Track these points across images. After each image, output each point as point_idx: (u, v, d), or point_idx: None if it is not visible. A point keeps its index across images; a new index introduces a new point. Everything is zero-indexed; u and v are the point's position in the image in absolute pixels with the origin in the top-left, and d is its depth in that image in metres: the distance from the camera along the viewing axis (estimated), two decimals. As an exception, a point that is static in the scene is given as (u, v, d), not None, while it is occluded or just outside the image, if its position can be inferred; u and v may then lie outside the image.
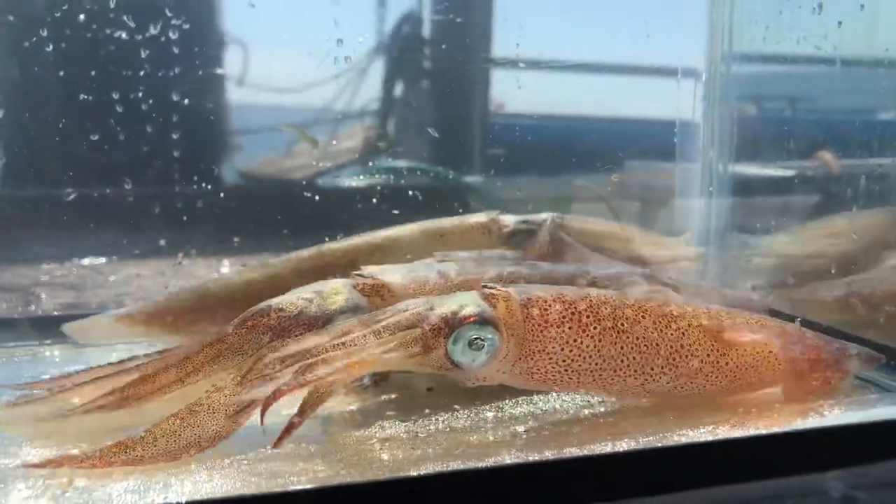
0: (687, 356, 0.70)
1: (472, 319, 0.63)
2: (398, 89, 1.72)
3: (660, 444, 0.62)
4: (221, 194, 1.29)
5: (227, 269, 1.18)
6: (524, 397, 0.77)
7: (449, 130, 1.69)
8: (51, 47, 1.17)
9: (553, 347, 0.66)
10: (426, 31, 1.68)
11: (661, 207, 1.59)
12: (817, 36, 1.08)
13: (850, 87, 1.12)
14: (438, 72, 1.72)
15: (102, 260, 1.18)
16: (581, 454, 0.61)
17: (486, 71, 1.68)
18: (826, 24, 1.06)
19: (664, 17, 1.37)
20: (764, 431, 0.66)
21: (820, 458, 0.63)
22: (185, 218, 1.19)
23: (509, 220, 1.14)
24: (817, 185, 1.18)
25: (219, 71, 1.43)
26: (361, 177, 1.62)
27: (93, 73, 1.17)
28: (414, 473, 0.56)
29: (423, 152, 1.69)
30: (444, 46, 1.69)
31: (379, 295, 0.74)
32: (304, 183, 1.49)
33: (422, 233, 1.08)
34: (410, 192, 1.50)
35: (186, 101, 1.26)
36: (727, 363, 0.72)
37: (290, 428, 0.61)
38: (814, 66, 1.15)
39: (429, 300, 0.65)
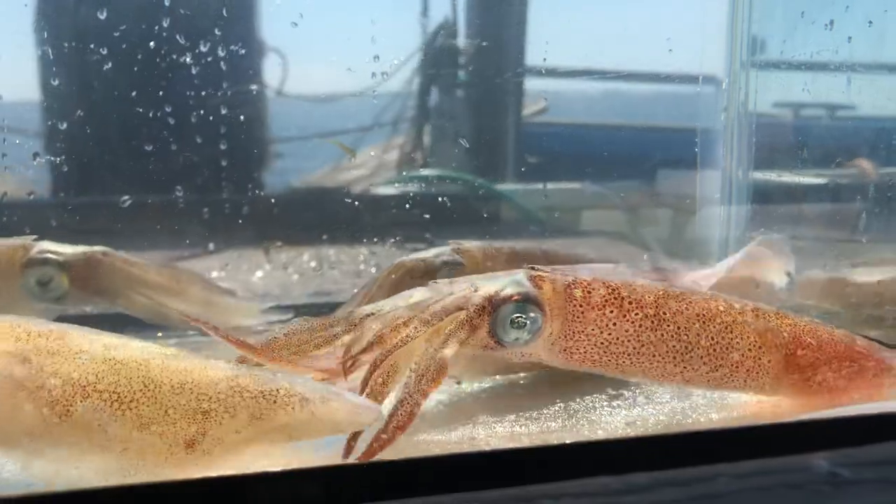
0: (727, 349, 0.73)
1: (515, 298, 0.67)
2: (432, 100, 1.83)
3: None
4: (267, 201, 1.43)
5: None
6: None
7: (481, 139, 1.80)
8: (109, 65, 1.31)
9: (592, 329, 0.70)
10: (460, 41, 1.79)
11: (689, 215, 1.67)
12: (829, 50, 1.18)
13: (863, 97, 1.22)
14: (471, 82, 1.83)
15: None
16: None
17: (517, 80, 1.78)
18: (837, 40, 1.16)
19: (686, 26, 1.46)
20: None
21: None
22: (233, 223, 1.32)
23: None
24: (850, 193, 1.26)
25: (261, 85, 1.55)
26: (395, 185, 1.73)
27: (149, 89, 1.31)
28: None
29: (456, 161, 1.79)
30: (477, 57, 1.80)
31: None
32: (342, 191, 1.62)
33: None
34: (440, 200, 1.61)
35: (238, 114, 1.39)
36: (769, 361, 0.75)
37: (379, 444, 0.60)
38: (829, 75, 1.24)
39: (474, 282, 0.70)
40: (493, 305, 0.67)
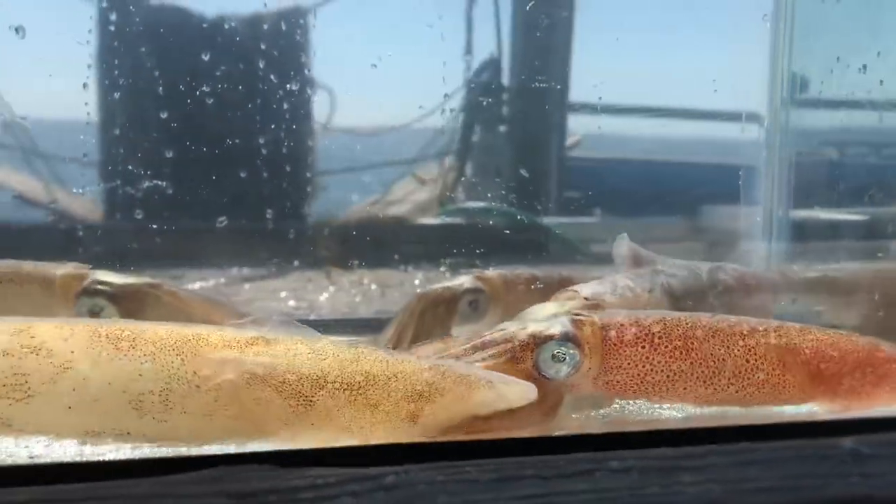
0: (753, 370, 0.85)
1: (555, 337, 0.81)
2: (477, 133, 1.98)
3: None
4: (330, 229, 1.58)
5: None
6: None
7: (523, 174, 1.93)
8: (170, 99, 1.47)
9: (628, 364, 0.83)
10: (505, 77, 1.94)
11: (729, 250, 1.79)
12: (863, 91, 1.31)
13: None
14: (515, 116, 1.97)
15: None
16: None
17: (560, 115, 1.91)
18: (870, 82, 1.30)
19: (730, 66, 1.59)
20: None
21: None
22: (299, 247, 1.48)
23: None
24: (888, 228, 1.38)
25: (311, 119, 1.71)
26: (442, 217, 1.88)
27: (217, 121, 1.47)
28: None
29: (499, 194, 1.93)
30: (520, 92, 1.94)
31: None
32: (397, 220, 1.77)
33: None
34: (488, 231, 1.75)
35: (299, 147, 1.55)
36: (793, 377, 0.85)
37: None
38: (864, 113, 1.38)
39: (524, 321, 0.85)
40: (536, 342, 0.81)
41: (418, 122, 1.77)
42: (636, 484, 0.55)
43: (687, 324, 0.87)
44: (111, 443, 0.64)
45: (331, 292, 1.44)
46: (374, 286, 1.46)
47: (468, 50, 1.91)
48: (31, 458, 0.62)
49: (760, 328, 0.89)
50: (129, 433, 0.63)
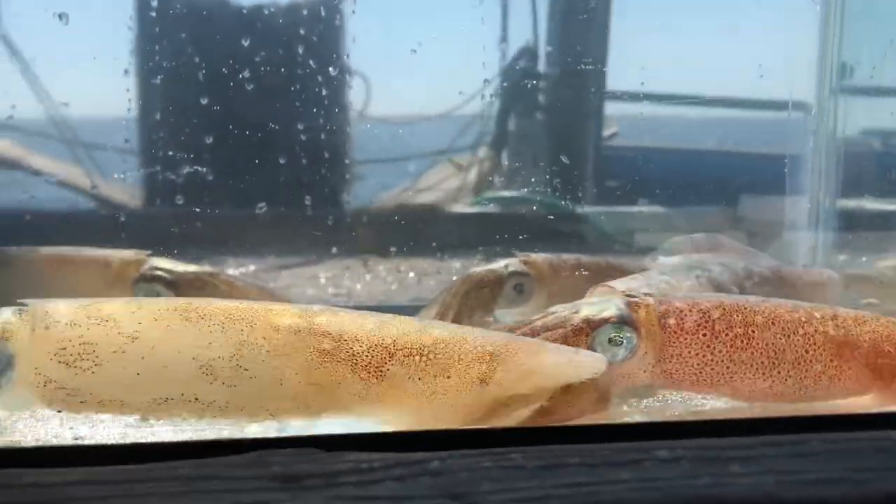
0: (811, 361, 0.82)
1: (612, 320, 0.78)
2: (513, 121, 1.97)
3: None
4: (366, 216, 1.59)
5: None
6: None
7: (561, 161, 1.92)
8: (212, 90, 1.48)
9: (689, 352, 0.80)
10: (541, 65, 1.93)
11: (771, 240, 1.76)
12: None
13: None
14: (552, 104, 1.96)
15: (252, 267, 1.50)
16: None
17: (598, 103, 1.90)
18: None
19: (777, 53, 1.56)
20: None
21: None
22: (336, 236, 1.49)
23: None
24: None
25: (347, 107, 1.71)
26: (478, 205, 1.87)
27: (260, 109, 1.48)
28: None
29: (535, 183, 1.92)
30: (558, 79, 1.92)
31: None
32: (423, 209, 1.77)
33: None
34: (524, 219, 1.74)
35: (334, 135, 1.56)
36: (850, 369, 0.83)
37: None
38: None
39: (576, 305, 0.82)
40: (591, 326, 0.78)
41: (456, 110, 1.77)
42: (686, 474, 0.55)
43: (746, 308, 0.84)
44: (177, 411, 0.64)
45: (368, 280, 1.44)
46: (411, 274, 1.46)
47: (504, 37, 1.91)
48: (76, 439, 0.63)
49: (818, 315, 0.86)
50: (197, 399, 0.64)
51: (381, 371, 0.66)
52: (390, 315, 0.70)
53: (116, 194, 1.53)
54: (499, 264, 1.12)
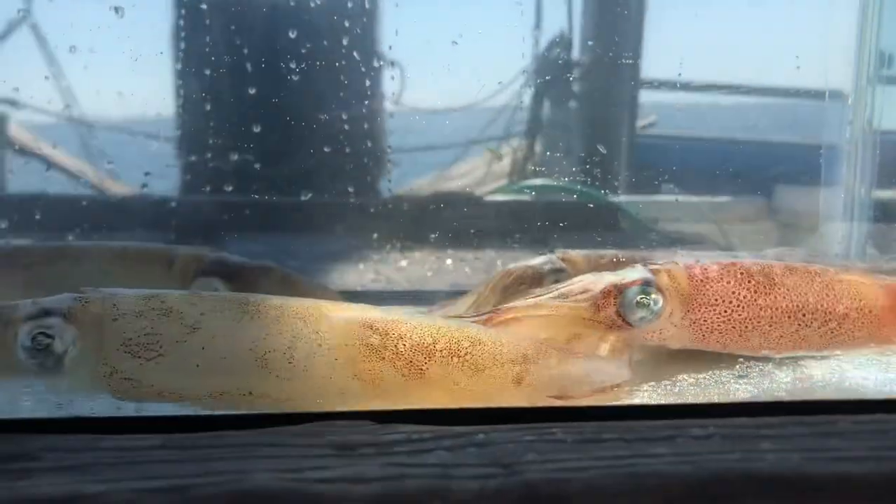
0: (834, 302, 0.87)
1: (638, 282, 0.83)
2: (548, 110, 2.00)
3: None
4: (401, 204, 1.64)
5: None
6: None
7: (596, 150, 1.94)
8: (254, 81, 1.53)
9: (715, 299, 0.84)
10: (575, 53, 1.95)
11: (806, 231, 1.77)
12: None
13: None
14: (586, 93, 1.98)
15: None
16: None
17: (633, 92, 1.92)
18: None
19: (813, 41, 1.57)
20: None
21: None
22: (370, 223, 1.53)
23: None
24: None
25: (381, 96, 1.75)
26: (510, 193, 1.91)
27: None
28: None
29: (570, 171, 1.95)
30: (593, 68, 1.95)
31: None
32: (456, 197, 1.81)
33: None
34: (553, 209, 1.78)
35: (371, 125, 1.60)
36: (871, 310, 0.88)
37: None
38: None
39: (601, 273, 0.87)
40: (618, 289, 0.83)
41: (491, 99, 1.79)
42: (718, 449, 0.58)
43: (763, 263, 0.89)
44: (234, 402, 0.68)
45: (405, 266, 1.49)
46: (448, 261, 1.50)
47: (538, 25, 1.93)
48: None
49: (831, 269, 0.91)
50: (251, 393, 0.68)
51: (422, 370, 0.70)
52: (433, 316, 0.76)
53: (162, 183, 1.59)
54: (537, 260, 1.15)
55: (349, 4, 1.54)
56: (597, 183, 1.87)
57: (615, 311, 0.83)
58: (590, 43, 2.00)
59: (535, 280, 1.10)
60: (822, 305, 0.88)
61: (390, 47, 1.73)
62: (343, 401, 0.69)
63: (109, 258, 1.08)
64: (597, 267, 1.08)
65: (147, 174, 1.46)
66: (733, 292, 0.86)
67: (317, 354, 0.69)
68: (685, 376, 0.86)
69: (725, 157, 1.88)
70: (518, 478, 0.54)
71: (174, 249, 1.09)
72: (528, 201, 1.89)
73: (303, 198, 1.44)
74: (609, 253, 1.16)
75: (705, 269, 0.87)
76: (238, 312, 0.69)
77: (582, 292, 0.85)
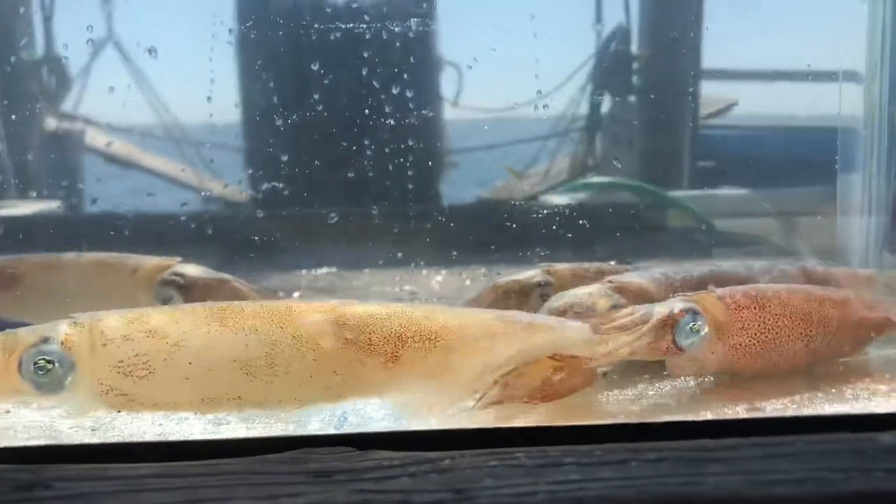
0: (827, 318, 1.00)
1: (689, 311, 0.93)
2: (606, 106, 2.02)
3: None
4: (443, 214, 1.70)
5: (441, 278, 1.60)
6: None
7: (655, 145, 1.95)
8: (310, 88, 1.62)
9: (748, 325, 0.96)
10: (634, 46, 1.96)
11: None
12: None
13: None
14: (645, 87, 1.99)
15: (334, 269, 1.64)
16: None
17: (692, 85, 1.92)
18: None
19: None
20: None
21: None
22: (413, 234, 1.61)
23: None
24: None
25: (439, 99, 1.82)
26: (567, 193, 1.94)
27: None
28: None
29: (629, 168, 1.96)
30: (651, 61, 1.96)
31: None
32: (513, 202, 1.86)
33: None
34: (611, 208, 1.80)
35: (422, 128, 1.67)
36: (849, 321, 1.02)
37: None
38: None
39: (650, 305, 0.95)
40: (673, 319, 0.93)
41: (546, 98, 1.83)
42: (664, 473, 0.63)
43: (770, 287, 1.02)
44: (225, 407, 0.78)
45: (443, 275, 1.55)
46: (482, 269, 1.56)
47: (598, 19, 1.96)
48: (159, 435, 0.78)
49: (811, 288, 1.06)
50: (240, 397, 0.77)
51: (396, 356, 0.78)
52: (401, 304, 0.83)
53: (221, 194, 1.72)
54: (522, 275, 1.21)
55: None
56: (656, 178, 1.89)
57: (671, 338, 0.92)
58: (647, 35, 2.00)
59: (522, 294, 1.16)
60: (822, 322, 1.01)
61: (440, 49, 1.80)
62: (329, 396, 0.78)
63: (89, 269, 1.22)
64: (583, 280, 1.14)
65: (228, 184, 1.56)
66: (759, 317, 0.98)
67: (296, 357, 0.77)
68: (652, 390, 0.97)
69: (788, 146, 1.86)
70: (468, 503, 0.61)
71: (142, 261, 1.21)
72: (584, 202, 1.93)
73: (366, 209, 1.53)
74: (593, 266, 1.20)
75: (734, 298, 0.98)
76: (217, 326, 0.77)
77: (642, 322, 0.93)
